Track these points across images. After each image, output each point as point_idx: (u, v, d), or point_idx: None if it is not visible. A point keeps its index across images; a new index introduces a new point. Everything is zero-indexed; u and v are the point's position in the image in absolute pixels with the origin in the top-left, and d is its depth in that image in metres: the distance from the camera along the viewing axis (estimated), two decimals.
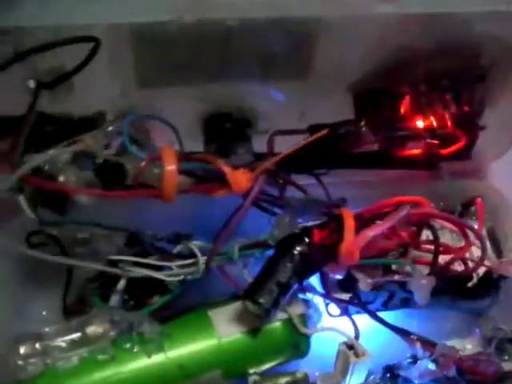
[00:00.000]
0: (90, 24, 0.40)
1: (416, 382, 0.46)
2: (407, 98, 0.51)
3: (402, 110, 0.51)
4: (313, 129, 0.49)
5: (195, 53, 0.45)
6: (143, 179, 0.41)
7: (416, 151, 0.52)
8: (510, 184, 0.58)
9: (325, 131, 0.47)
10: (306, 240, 0.45)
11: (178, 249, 0.48)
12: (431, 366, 0.45)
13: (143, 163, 0.41)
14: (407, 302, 0.51)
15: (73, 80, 0.44)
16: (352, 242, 0.44)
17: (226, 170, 0.43)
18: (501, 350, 0.50)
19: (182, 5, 0.42)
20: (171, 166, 0.41)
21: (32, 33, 0.39)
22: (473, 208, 0.55)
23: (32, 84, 0.43)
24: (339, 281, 0.50)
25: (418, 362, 0.46)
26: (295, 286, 0.46)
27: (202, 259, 0.46)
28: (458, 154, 0.54)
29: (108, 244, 0.47)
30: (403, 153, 0.52)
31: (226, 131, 0.49)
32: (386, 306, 0.52)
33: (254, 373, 0.47)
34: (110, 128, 0.43)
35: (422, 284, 0.46)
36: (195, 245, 0.47)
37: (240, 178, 0.44)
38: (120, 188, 0.41)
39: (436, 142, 0.51)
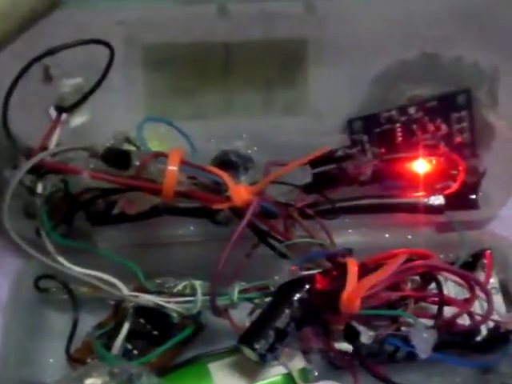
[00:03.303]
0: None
1: None
2: (399, 123, 0.53)
3: (396, 135, 0.54)
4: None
5: (199, 79, 0.49)
6: (146, 172, 0.42)
7: (420, 194, 0.53)
8: None
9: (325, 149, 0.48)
10: (307, 287, 0.45)
11: (182, 285, 0.48)
12: None
13: (149, 155, 0.43)
14: (413, 356, 0.47)
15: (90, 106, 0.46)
16: (354, 290, 0.43)
17: (228, 181, 0.44)
18: None
19: None
20: (174, 166, 0.42)
21: None
22: (484, 260, 0.53)
23: (53, 112, 0.45)
24: (343, 333, 0.48)
25: None
26: (293, 333, 0.44)
27: (201, 297, 0.46)
28: (464, 203, 0.55)
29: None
30: (406, 195, 0.53)
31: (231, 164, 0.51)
32: (392, 359, 0.49)
33: None
34: None
35: (422, 337, 0.44)
36: (198, 283, 0.47)
37: (241, 191, 0.45)
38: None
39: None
